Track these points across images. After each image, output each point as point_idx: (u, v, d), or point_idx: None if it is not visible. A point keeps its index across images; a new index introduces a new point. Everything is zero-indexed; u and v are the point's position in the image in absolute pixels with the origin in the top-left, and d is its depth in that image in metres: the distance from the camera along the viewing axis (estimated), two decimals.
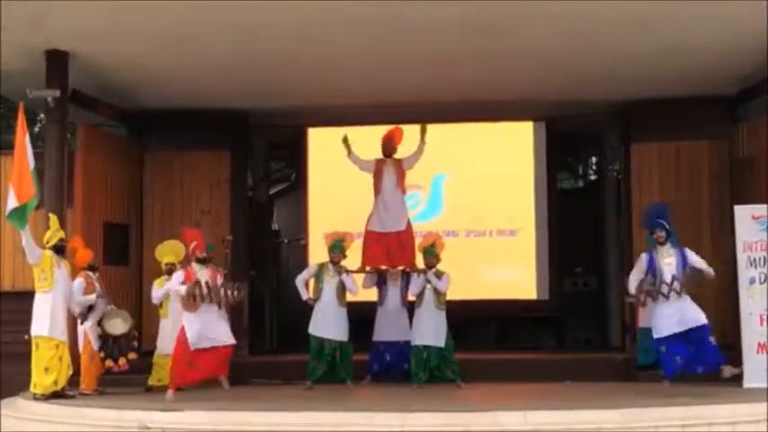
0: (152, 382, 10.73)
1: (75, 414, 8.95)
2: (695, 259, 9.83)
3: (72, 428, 8.70)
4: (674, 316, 9.64)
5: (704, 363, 9.68)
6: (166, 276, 10.80)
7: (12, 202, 9.51)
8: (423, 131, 11.20)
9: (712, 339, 9.69)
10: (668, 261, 9.75)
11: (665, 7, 9.59)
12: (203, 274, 9.98)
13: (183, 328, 9.84)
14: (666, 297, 9.63)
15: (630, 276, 10.07)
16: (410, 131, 11.38)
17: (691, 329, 9.63)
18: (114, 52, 10.80)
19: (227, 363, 10.13)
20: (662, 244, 9.85)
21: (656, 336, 9.79)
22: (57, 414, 9.06)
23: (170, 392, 9.63)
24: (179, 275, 10.09)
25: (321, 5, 9.40)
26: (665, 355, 9.74)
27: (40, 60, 10.74)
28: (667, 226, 9.91)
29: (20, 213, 9.51)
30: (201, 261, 10.08)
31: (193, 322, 9.81)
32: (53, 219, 10.12)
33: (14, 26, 9.93)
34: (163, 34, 10.29)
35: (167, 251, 11.02)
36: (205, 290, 9.83)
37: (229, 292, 10.03)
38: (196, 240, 10.17)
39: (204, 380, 10.09)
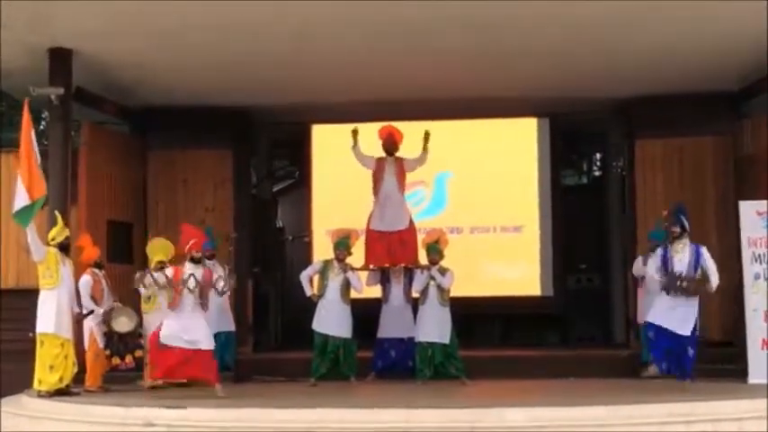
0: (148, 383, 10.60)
1: (81, 411, 8.96)
2: (708, 264, 9.57)
3: (78, 426, 8.70)
4: (674, 312, 9.55)
5: (679, 370, 9.60)
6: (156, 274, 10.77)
7: (22, 200, 9.48)
8: (425, 139, 11.18)
9: (691, 352, 9.55)
10: (679, 257, 9.60)
11: (666, 7, 9.59)
12: (198, 274, 9.74)
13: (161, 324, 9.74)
14: (675, 291, 9.51)
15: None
16: (412, 129, 11.37)
17: (677, 334, 9.55)
18: (118, 50, 10.81)
19: (212, 369, 9.69)
20: (675, 239, 9.70)
21: (648, 319, 9.71)
22: (63, 411, 9.07)
23: (146, 383, 9.72)
24: (168, 272, 9.85)
25: (323, 4, 9.40)
26: (653, 341, 9.67)
27: (43, 58, 10.74)
28: (685, 223, 9.74)
29: (27, 211, 9.51)
30: (196, 261, 9.85)
31: (172, 319, 9.64)
32: (60, 217, 10.13)
33: (18, 24, 9.95)
34: (166, 32, 10.29)
35: (157, 249, 10.93)
36: (192, 284, 9.65)
37: (220, 285, 9.95)
38: (195, 239, 9.94)
39: (171, 380, 9.97)
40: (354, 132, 11.20)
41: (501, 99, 13.06)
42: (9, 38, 10.26)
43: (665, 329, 9.51)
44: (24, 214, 9.52)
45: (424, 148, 11.23)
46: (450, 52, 10.97)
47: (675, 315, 9.50)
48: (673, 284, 9.49)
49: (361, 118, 12.67)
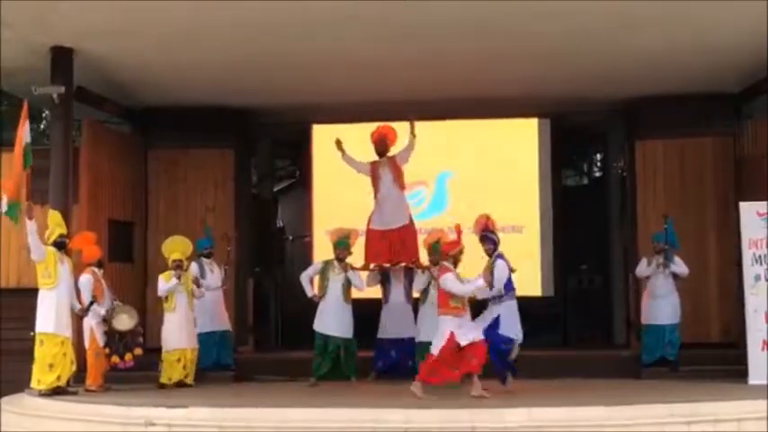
0: (163, 380, 10.65)
1: (82, 411, 8.95)
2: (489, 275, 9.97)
3: (80, 425, 8.70)
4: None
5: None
6: (173, 272, 10.80)
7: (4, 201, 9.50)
8: (411, 126, 11.09)
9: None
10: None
11: (666, 8, 9.60)
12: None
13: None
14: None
15: None
16: (404, 128, 11.35)
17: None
18: (119, 49, 10.81)
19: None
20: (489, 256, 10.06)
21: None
22: (64, 411, 9.06)
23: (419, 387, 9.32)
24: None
25: (325, 5, 9.40)
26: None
27: (45, 57, 10.75)
28: (494, 238, 10.25)
29: (15, 209, 9.53)
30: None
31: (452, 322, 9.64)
32: (51, 215, 10.10)
33: (20, 23, 9.95)
34: (168, 32, 10.30)
35: (175, 247, 10.98)
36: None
37: None
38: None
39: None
40: (338, 143, 11.19)
41: (502, 99, 13.07)
42: (11, 37, 10.26)
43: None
44: (12, 212, 9.54)
45: (412, 133, 11.08)
46: (451, 53, 10.98)
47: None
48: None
49: (362, 118, 12.71)
